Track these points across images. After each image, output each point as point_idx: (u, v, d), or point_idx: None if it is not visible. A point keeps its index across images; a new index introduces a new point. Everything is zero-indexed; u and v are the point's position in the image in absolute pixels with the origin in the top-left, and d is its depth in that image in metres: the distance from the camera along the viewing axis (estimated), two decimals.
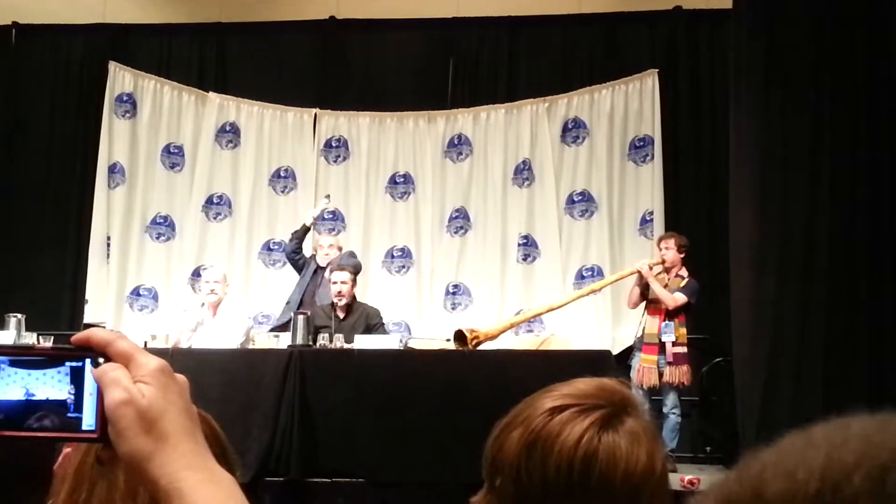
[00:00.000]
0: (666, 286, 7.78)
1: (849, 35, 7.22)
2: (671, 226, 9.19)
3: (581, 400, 1.32)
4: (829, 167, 7.16)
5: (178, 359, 6.72)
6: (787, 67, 7.34)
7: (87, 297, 9.98)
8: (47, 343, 7.42)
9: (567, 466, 1.27)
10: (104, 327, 9.28)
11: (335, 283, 7.86)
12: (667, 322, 7.66)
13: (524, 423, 1.32)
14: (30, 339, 7.42)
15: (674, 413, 7.63)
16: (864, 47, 7.19)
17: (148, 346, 7.27)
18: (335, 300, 7.82)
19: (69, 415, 0.90)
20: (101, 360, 0.90)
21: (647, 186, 9.89)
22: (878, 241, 6.98)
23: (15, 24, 10.54)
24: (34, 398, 0.90)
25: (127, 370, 0.88)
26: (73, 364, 0.91)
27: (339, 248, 8.59)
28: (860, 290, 6.95)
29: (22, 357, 0.91)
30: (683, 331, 7.67)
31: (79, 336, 0.91)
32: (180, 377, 0.91)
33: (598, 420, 1.30)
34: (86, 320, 9.72)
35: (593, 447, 1.27)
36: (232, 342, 7.59)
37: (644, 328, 7.82)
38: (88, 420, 0.90)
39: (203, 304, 7.88)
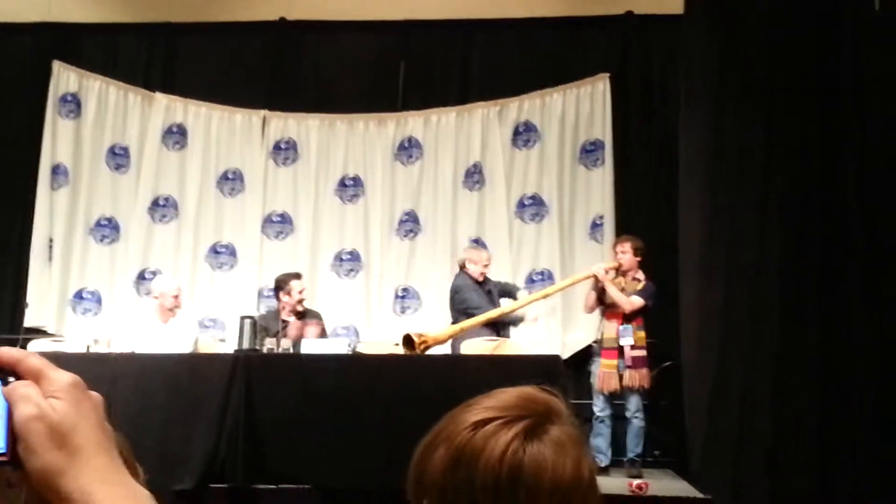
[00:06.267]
0: (623, 290, 7.79)
1: (802, 41, 7.24)
2: (622, 230, 9.18)
3: (503, 412, 1.29)
4: (781, 173, 7.16)
5: (121, 363, 6.61)
6: (740, 73, 7.34)
7: (27, 300, 9.82)
8: None
9: (493, 481, 1.23)
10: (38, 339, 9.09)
11: (302, 290, 8.16)
12: (624, 326, 7.68)
13: (447, 441, 1.29)
14: None
15: (636, 418, 7.65)
16: (817, 53, 7.21)
17: (90, 349, 7.15)
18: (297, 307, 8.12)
19: None
20: (11, 378, 0.85)
21: (597, 190, 9.91)
22: (829, 248, 6.98)
23: None
24: None
25: (38, 387, 0.85)
26: None
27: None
28: (810, 298, 6.95)
29: None
30: (642, 334, 7.69)
31: None
32: (94, 394, 0.88)
33: (521, 431, 1.26)
34: (27, 324, 9.58)
35: (518, 459, 1.24)
36: (180, 349, 7.50)
37: (602, 333, 7.84)
38: None
39: (156, 310, 7.81)
